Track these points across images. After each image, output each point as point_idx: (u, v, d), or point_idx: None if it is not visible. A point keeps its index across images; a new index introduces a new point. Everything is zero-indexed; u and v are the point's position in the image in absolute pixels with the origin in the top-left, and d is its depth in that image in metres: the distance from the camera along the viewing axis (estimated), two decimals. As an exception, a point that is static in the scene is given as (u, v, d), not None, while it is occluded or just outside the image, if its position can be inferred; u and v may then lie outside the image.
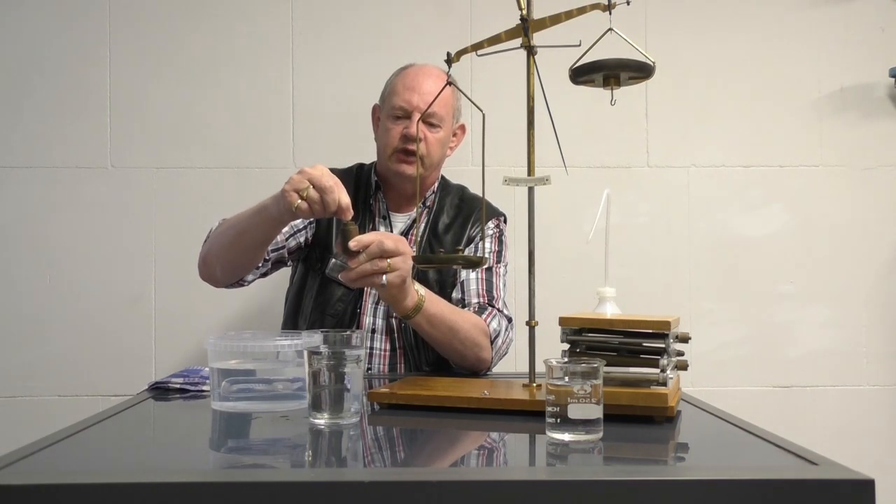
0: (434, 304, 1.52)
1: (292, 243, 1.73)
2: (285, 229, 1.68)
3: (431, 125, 1.75)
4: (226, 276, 1.65)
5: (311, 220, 1.75)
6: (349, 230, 1.37)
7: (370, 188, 1.82)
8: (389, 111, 1.76)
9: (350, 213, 1.38)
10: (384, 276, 1.37)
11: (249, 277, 1.69)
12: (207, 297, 2.15)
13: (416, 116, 1.70)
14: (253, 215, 1.52)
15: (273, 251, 1.69)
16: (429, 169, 1.78)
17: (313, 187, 1.36)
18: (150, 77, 2.21)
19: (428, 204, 1.83)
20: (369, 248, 1.36)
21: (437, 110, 1.72)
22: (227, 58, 2.22)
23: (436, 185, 1.85)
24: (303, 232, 1.75)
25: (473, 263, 1.32)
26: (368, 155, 1.87)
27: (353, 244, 1.36)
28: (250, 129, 2.21)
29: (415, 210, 1.73)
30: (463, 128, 1.88)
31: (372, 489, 0.79)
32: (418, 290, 1.48)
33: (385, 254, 1.36)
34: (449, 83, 1.32)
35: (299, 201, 1.37)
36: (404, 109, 1.73)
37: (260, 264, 1.67)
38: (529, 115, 1.29)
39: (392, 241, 1.37)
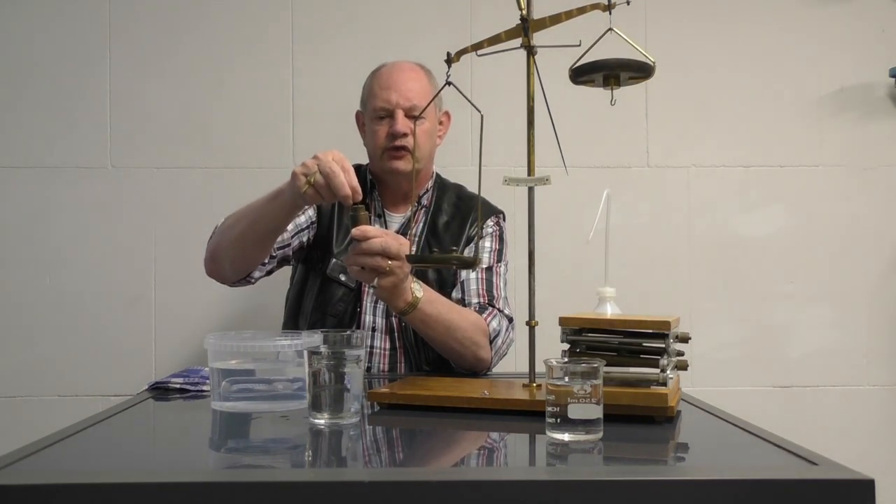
0: (431, 303, 1.52)
1: (296, 242, 1.73)
2: (290, 227, 1.68)
3: (415, 118, 1.75)
4: (235, 271, 1.65)
5: (314, 220, 1.76)
6: (359, 216, 1.37)
7: (365, 187, 1.82)
8: (372, 114, 1.77)
9: (358, 196, 1.37)
10: (376, 279, 1.38)
11: (256, 274, 1.68)
12: (207, 297, 2.16)
13: (400, 113, 1.72)
14: (268, 202, 1.52)
15: (279, 248, 1.69)
16: (421, 161, 1.78)
17: (320, 172, 1.37)
18: (150, 77, 2.21)
19: (425, 203, 1.83)
20: (371, 244, 1.35)
21: (419, 103, 1.73)
22: (227, 58, 2.22)
23: (431, 182, 1.85)
24: (305, 231, 1.75)
25: (468, 264, 1.31)
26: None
27: (356, 232, 1.35)
28: (250, 129, 2.21)
29: (410, 209, 1.73)
30: (448, 115, 1.88)
31: (372, 489, 0.79)
32: (415, 290, 1.48)
33: (388, 255, 1.36)
34: (448, 83, 1.32)
35: (307, 187, 1.37)
36: (386, 109, 1.74)
37: (267, 260, 1.67)
38: (529, 115, 1.29)
39: (396, 245, 1.37)
